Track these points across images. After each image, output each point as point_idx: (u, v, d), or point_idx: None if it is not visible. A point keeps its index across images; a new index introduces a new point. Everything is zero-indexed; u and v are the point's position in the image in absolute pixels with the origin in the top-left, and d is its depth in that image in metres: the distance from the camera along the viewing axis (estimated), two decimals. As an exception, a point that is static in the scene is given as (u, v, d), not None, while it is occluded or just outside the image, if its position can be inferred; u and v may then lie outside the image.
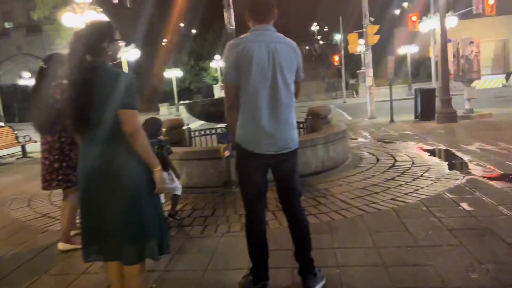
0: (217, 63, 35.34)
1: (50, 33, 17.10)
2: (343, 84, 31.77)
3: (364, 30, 15.66)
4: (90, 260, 2.38)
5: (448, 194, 4.39)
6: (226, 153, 5.11)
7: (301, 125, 7.89)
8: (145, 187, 2.33)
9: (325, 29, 74.10)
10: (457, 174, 5.25)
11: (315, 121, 7.45)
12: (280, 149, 2.47)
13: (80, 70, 2.24)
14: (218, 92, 7.84)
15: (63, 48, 15.68)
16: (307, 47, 67.75)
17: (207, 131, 8.09)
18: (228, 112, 2.56)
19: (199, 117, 6.59)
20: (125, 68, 16.94)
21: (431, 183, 4.88)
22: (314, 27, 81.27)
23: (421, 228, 3.52)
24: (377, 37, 15.25)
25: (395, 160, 6.35)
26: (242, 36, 2.50)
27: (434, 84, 22.48)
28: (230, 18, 6.64)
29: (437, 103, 11.65)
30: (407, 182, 4.99)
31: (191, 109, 6.40)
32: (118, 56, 2.51)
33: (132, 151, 2.25)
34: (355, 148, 7.78)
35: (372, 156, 6.81)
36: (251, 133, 2.47)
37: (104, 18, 10.55)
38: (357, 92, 33.80)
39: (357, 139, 9.27)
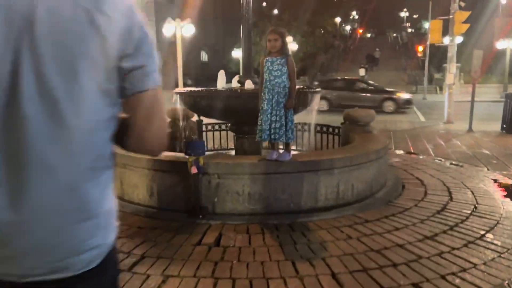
0: (289, 46, 33.88)
1: None
2: (425, 78, 28.41)
3: (451, 16, 13.10)
4: None
5: (517, 292, 2.58)
6: (194, 170, 3.69)
7: (336, 130, 6.21)
8: None
9: (414, 16, 68.15)
10: (541, 244, 3.34)
11: (351, 129, 5.71)
12: (40, 272, 0.95)
13: None
14: (221, 80, 6.35)
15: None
16: (394, 34, 62.98)
17: (222, 125, 6.72)
18: None
19: (192, 109, 5.22)
20: (179, 44, 15.99)
21: (493, 257, 3.05)
22: (404, 13, 75.23)
23: None
24: (466, 26, 12.63)
25: (450, 199, 4.47)
26: None
27: (535, 87, 18.97)
28: (248, 5, 5.15)
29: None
30: (453, 249, 3.19)
31: (181, 99, 5.03)
32: None
33: None
34: (403, 168, 5.92)
35: (420, 187, 4.95)
36: None
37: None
38: (441, 89, 30.13)
39: (413, 153, 7.29)
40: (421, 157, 6.92)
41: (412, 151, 7.53)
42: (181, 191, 3.94)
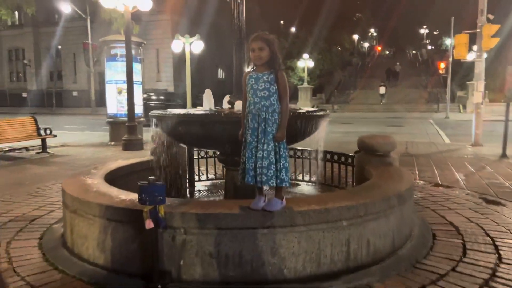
0: (305, 62, 33.34)
1: (104, 17, 16.00)
2: (448, 96, 27.06)
3: (478, 30, 12.01)
4: None
5: None
6: (149, 224, 2.72)
7: (349, 160, 5.20)
8: None
9: (435, 32, 66.78)
10: None
11: (367, 160, 4.68)
12: None
13: None
14: (208, 101, 5.21)
15: (117, 32, 14.56)
16: (413, 52, 61.77)
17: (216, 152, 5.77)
18: None
19: (171, 137, 4.26)
20: (188, 60, 15.20)
21: None
22: (424, 30, 73.85)
23: None
24: (495, 40, 11.51)
25: (499, 258, 3.38)
26: None
27: None
28: (240, 13, 4.31)
29: None
30: None
31: (158, 125, 4.10)
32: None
33: None
34: (431, 207, 4.84)
35: (456, 237, 3.87)
36: None
37: None
38: (464, 107, 28.75)
39: (442, 186, 6.17)
40: (451, 191, 5.81)
41: (440, 182, 6.42)
42: (138, 248, 2.96)
